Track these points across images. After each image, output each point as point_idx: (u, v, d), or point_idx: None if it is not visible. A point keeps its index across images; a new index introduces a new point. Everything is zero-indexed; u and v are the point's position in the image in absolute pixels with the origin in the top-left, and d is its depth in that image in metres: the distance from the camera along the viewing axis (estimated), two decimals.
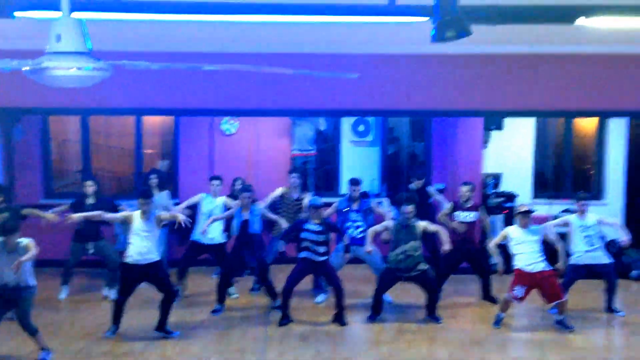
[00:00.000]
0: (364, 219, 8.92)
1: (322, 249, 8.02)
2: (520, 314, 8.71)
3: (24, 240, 6.72)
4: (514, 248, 7.99)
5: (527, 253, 7.88)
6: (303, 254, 8.09)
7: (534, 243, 7.91)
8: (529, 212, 8.00)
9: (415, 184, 9.72)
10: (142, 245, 7.55)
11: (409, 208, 8.06)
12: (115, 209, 8.61)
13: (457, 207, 9.14)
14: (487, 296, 9.14)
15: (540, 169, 11.80)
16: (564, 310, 7.96)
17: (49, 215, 8.63)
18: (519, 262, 7.91)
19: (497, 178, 11.11)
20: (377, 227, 8.36)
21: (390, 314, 8.46)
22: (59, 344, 7.34)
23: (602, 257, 8.50)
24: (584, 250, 8.41)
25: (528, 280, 7.82)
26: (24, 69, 3.22)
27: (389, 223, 8.32)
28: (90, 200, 8.93)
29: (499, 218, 10.95)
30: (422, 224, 8.17)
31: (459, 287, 9.60)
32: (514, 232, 8.02)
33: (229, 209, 8.97)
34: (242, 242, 8.43)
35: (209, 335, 7.82)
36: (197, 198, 9.33)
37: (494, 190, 10.98)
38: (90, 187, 8.98)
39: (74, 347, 7.35)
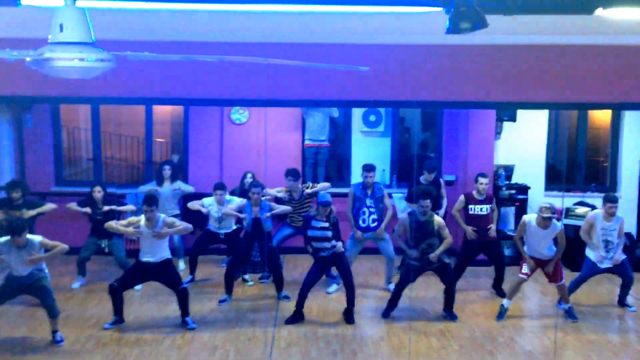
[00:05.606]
0: (376, 206, 8.85)
1: (328, 245, 7.86)
2: (531, 308, 8.65)
3: (36, 238, 6.92)
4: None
5: (536, 245, 7.92)
6: (316, 256, 7.96)
7: (548, 239, 7.88)
8: (550, 218, 7.78)
9: (425, 178, 9.59)
10: (152, 246, 7.58)
11: (427, 202, 7.90)
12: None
13: (469, 200, 9.00)
14: (498, 287, 9.02)
15: (553, 161, 11.68)
16: (566, 296, 8.05)
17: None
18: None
19: (509, 170, 11.01)
20: (397, 228, 8.23)
21: (401, 310, 8.29)
22: (70, 332, 7.40)
23: None
24: None
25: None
26: (26, 59, 3.17)
27: (404, 220, 8.15)
28: (99, 205, 8.98)
29: (510, 210, 10.87)
30: (438, 221, 8.03)
31: (470, 280, 9.52)
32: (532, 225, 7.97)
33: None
34: (255, 237, 8.40)
35: (219, 324, 7.82)
36: (198, 205, 9.18)
37: (506, 182, 10.88)
38: (99, 192, 8.99)
39: (84, 335, 7.39)
